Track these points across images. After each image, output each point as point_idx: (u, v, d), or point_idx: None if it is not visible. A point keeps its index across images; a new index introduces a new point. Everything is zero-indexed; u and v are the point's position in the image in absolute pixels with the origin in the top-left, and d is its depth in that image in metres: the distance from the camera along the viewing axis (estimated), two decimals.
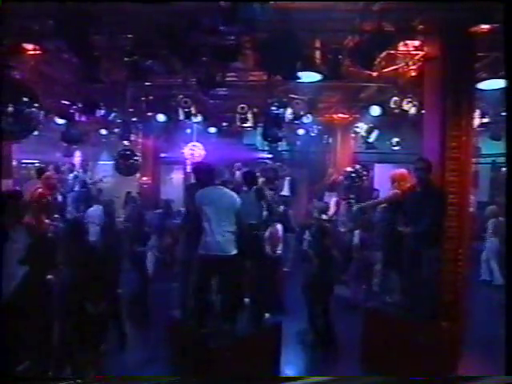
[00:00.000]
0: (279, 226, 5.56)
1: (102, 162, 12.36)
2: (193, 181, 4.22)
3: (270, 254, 5.28)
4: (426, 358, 3.85)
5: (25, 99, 3.33)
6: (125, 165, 8.34)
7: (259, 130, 7.92)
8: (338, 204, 7.92)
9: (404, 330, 4.10)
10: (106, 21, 4.11)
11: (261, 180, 6.71)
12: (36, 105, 3.49)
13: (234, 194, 3.81)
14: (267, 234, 5.18)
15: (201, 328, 3.81)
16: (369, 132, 8.25)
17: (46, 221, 3.90)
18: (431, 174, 3.98)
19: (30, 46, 4.59)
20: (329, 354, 4.61)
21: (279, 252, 5.63)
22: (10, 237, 3.13)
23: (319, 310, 4.70)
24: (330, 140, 10.18)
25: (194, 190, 3.88)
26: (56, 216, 4.60)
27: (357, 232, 6.19)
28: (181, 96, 6.87)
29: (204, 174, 3.86)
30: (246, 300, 4.29)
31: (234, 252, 3.67)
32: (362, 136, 8.56)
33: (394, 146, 10.21)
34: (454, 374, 4.02)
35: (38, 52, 4.70)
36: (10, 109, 3.16)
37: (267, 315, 4.22)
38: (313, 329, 4.75)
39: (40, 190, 4.19)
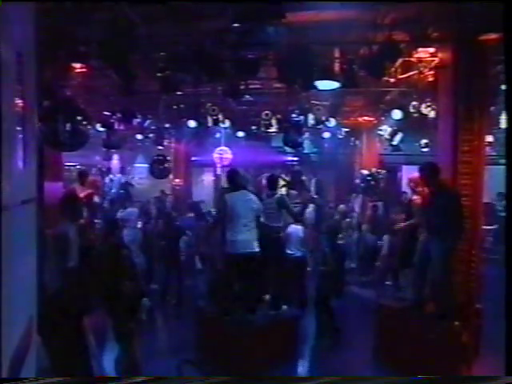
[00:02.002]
0: (300, 227, 5.86)
1: (138, 165, 13.21)
2: (224, 185, 4.66)
3: (291, 253, 5.60)
4: (436, 356, 4.03)
5: (79, 118, 3.94)
6: (158, 169, 9.03)
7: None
8: (362, 206, 8.10)
9: (417, 328, 4.29)
10: (142, 42, 4.62)
11: (283, 182, 7.09)
12: (86, 122, 4.10)
13: (256, 199, 4.20)
14: (288, 233, 5.50)
15: (224, 316, 4.25)
16: (392, 135, 8.33)
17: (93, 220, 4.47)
18: (438, 176, 4.13)
19: (77, 65, 5.23)
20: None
21: (301, 251, 5.94)
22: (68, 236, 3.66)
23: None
24: (357, 142, 10.34)
25: (224, 193, 4.36)
26: (99, 215, 5.21)
27: (385, 236, 6.34)
28: (209, 104, 7.37)
29: (232, 180, 4.28)
30: (267, 296, 4.65)
31: (257, 250, 4.07)
32: (386, 139, 8.66)
33: (423, 147, 10.19)
34: (464, 372, 4.14)
35: (83, 70, 5.35)
36: (68, 127, 3.77)
37: (285, 307, 4.58)
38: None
39: (88, 192, 4.78)
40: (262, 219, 4.33)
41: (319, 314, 5.00)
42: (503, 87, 5.63)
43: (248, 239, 4.02)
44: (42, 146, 3.89)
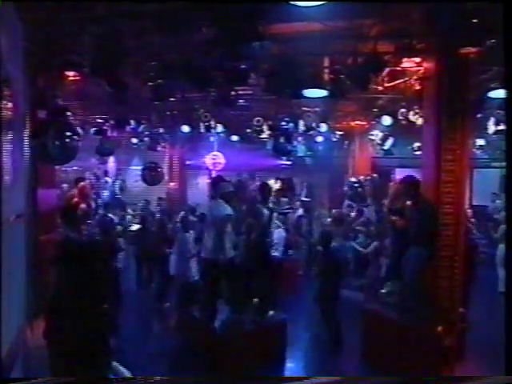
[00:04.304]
0: (282, 231, 5.97)
1: (133, 167, 13.30)
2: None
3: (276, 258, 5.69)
4: (418, 359, 4.14)
5: (68, 134, 4.08)
6: (150, 175, 9.12)
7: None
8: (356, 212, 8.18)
9: (400, 332, 4.41)
10: (133, 52, 4.72)
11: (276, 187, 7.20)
12: (76, 137, 4.23)
13: (226, 206, 4.32)
14: (273, 238, 5.60)
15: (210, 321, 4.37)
16: (383, 140, 8.47)
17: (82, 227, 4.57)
18: (417, 190, 4.27)
19: (69, 76, 5.33)
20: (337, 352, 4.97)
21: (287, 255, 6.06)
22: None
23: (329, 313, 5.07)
24: (349, 146, 10.48)
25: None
26: (90, 221, 5.30)
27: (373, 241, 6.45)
28: (202, 110, 7.47)
29: (213, 189, 4.41)
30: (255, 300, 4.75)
31: (229, 256, 4.22)
32: (378, 143, 8.80)
33: (416, 150, 10.33)
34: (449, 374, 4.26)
35: (76, 78, 5.45)
36: (57, 143, 3.90)
37: (272, 312, 4.68)
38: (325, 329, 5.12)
39: (76, 199, 4.88)
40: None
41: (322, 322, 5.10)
42: (491, 94, 5.82)
43: (220, 247, 4.15)
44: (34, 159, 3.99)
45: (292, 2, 3.40)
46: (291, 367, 4.67)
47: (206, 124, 7.61)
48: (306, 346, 5.17)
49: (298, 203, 8.30)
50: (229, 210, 4.26)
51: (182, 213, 6.44)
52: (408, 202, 4.38)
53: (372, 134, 8.82)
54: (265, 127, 7.84)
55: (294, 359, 4.81)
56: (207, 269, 4.32)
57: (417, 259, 4.19)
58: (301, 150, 10.20)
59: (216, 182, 4.50)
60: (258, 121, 7.79)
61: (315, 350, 5.08)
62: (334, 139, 9.62)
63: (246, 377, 3.65)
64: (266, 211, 4.86)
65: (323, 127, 7.91)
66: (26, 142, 3.07)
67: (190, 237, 5.48)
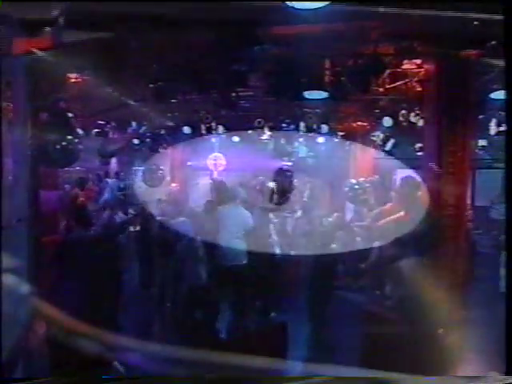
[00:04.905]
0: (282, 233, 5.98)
1: (135, 168, 13.32)
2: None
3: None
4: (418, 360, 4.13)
5: (69, 137, 4.10)
6: (151, 177, 9.11)
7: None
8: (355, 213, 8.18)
9: (400, 333, 4.40)
10: (135, 54, 4.74)
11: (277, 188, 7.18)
12: (77, 140, 4.25)
13: (248, 213, 4.29)
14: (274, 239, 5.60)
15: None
16: (384, 141, 8.47)
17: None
18: (417, 191, 4.26)
19: (72, 75, 5.36)
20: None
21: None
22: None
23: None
24: (350, 147, 10.47)
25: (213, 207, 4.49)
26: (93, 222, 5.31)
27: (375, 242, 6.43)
28: (203, 112, 7.48)
29: (221, 194, 4.40)
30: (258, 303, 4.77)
31: (244, 262, 4.18)
32: (379, 145, 8.80)
33: (418, 151, 10.31)
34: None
35: (78, 80, 5.49)
36: (58, 146, 3.92)
37: (273, 314, 4.69)
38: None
39: (81, 199, 4.90)
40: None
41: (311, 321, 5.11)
42: (492, 96, 5.82)
43: (236, 252, 4.14)
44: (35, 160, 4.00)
45: (291, 4, 3.41)
46: (291, 367, 4.66)
47: (207, 125, 7.62)
48: (306, 346, 5.16)
49: (299, 204, 8.28)
50: (250, 215, 4.28)
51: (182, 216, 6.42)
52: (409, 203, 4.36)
53: (373, 136, 8.81)
54: (266, 128, 7.85)
55: (294, 359, 4.81)
56: (221, 273, 4.30)
57: (417, 261, 4.18)
58: (302, 151, 10.19)
59: (223, 185, 4.49)
60: (259, 122, 7.80)
61: (315, 350, 5.07)
62: (335, 140, 9.61)
63: (247, 377, 3.64)
64: (266, 212, 4.88)
65: (324, 128, 7.91)
66: (27, 144, 3.09)
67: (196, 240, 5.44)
